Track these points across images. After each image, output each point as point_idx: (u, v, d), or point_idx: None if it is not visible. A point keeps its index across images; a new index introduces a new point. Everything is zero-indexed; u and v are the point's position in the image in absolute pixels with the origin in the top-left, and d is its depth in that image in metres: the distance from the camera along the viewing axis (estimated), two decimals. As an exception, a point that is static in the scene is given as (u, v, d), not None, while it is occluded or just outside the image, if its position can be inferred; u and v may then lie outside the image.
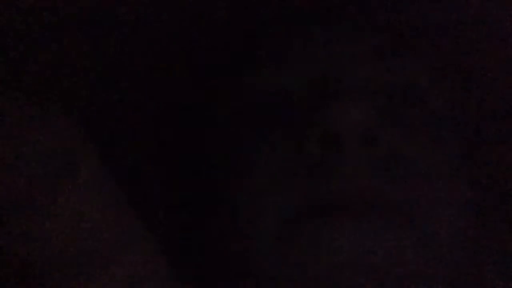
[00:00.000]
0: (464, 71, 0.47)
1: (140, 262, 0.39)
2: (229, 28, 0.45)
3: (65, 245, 0.37)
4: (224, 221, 0.45)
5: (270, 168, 0.43)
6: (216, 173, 0.46)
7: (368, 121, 0.41)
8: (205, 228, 0.46)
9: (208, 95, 0.47)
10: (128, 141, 0.46)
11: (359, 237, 0.41)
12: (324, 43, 0.45)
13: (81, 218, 0.37)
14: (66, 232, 0.37)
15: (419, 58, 0.46)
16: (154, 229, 0.42)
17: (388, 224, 0.41)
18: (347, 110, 0.41)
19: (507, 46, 0.46)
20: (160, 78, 0.45)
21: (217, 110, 0.47)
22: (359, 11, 0.45)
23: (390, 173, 0.42)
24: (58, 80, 0.41)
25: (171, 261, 0.42)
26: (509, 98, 0.47)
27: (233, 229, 0.44)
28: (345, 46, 0.45)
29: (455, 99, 0.47)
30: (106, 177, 0.39)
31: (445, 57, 0.47)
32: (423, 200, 0.42)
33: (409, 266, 0.42)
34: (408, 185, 0.42)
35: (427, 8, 0.45)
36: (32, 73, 0.41)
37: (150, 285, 0.39)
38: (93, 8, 0.40)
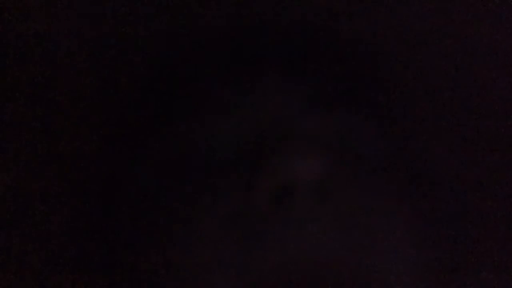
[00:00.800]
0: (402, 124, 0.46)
1: None
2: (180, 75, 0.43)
3: None
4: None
5: (212, 223, 0.40)
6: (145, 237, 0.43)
7: (321, 172, 0.39)
8: None
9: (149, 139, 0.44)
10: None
11: None
12: (258, 95, 0.43)
13: None
14: None
15: (353, 110, 0.44)
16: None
17: None
18: (300, 158, 0.39)
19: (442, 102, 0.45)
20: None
21: (154, 155, 0.44)
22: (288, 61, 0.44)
23: (343, 234, 0.39)
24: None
25: None
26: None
27: None
28: (280, 96, 0.43)
29: (394, 153, 0.46)
30: None
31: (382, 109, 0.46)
32: (377, 265, 0.40)
33: None
34: (363, 249, 0.40)
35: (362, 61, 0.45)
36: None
37: None
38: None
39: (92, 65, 0.41)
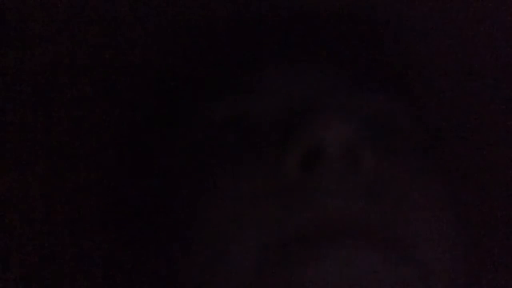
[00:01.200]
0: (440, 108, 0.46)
1: None
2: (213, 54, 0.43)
3: None
4: (187, 258, 0.40)
5: (240, 193, 0.39)
6: (176, 205, 0.42)
7: (352, 137, 0.38)
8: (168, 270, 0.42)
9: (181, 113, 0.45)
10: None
11: (351, 270, 0.37)
12: (294, 74, 0.43)
13: None
14: None
15: (396, 93, 0.44)
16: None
17: (381, 256, 0.37)
18: (330, 124, 0.38)
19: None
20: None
21: (187, 128, 0.44)
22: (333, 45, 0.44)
23: (376, 199, 0.39)
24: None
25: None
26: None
27: (198, 269, 0.39)
28: (320, 78, 0.43)
29: (424, 128, 0.46)
30: None
31: (422, 94, 0.46)
32: (413, 230, 0.39)
33: None
34: (396, 213, 0.39)
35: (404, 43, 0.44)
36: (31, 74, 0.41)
37: None
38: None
39: (93, 65, 0.41)
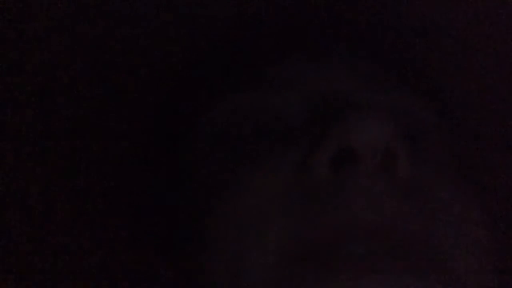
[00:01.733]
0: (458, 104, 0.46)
1: None
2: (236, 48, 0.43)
3: None
4: (204, 259, 0.40)
5: (264, 194, 0.38)
6: (197, 202, 0.42)
7: (389, 138, 0.36)
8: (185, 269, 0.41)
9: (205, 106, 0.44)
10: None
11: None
12: (313, 71, 0.43)
13: None
14: None
15: (414, 90, 0.44)
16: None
17: (415, 270, 0.36)
18: (366, 123, 0.36)
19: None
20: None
21: (208, 125, 0.44)
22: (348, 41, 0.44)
23: (412, 205, 0.37)
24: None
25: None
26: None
27: (216, 271, 0.39)
28: (342, 72, 0.43)
29: (452, 134, 0.45)
30: None
31: (441, 91, 0.46)
32: (447, 241, 0.38)
33: None
34: (433, 222, 0.37)
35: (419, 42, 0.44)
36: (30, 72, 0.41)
37: None
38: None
39: (93, 65, 0.41)
